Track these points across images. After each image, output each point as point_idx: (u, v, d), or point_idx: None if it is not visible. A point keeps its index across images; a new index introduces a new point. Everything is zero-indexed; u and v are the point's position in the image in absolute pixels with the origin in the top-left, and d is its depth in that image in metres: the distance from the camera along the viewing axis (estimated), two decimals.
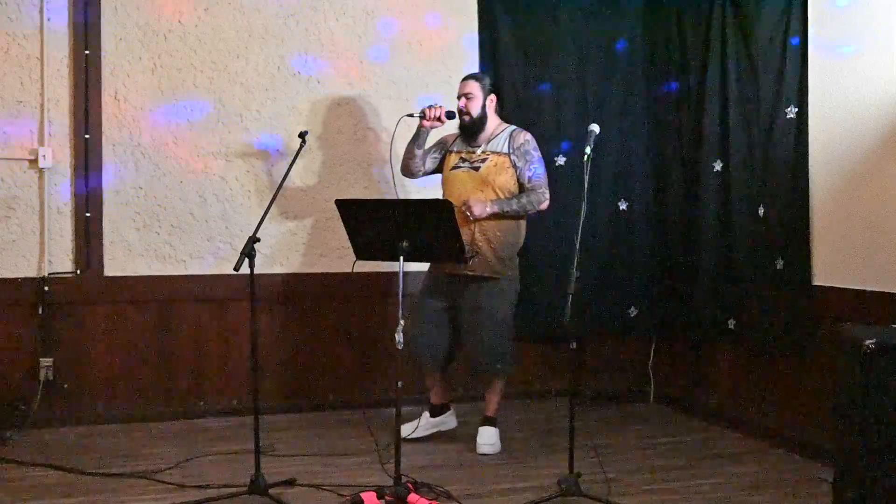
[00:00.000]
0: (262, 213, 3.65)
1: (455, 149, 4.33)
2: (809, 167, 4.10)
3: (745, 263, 4.45)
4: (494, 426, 4.28)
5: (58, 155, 4.59)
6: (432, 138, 4.40)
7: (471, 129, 4.25)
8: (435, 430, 4.40)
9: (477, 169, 4.19)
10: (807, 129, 4.10)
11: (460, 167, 4.24)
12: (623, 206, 5.29)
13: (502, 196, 4.16)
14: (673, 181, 5.11)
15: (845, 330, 2.93)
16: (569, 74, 5.22)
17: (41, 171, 4.56)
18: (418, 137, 4.30)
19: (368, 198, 4.87)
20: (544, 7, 5.19)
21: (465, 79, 4.33)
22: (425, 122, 4.22)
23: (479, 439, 4.22)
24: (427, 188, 4.69)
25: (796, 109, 4.14)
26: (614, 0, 5.28)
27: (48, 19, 4.56)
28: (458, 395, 4.97)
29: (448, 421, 4.44)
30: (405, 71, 5.07)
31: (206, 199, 4.81)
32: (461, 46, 5.16)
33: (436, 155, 4.37)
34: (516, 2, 5.18)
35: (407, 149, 4.34)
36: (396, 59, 5.07)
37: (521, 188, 4.21)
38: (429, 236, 3.47)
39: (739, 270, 4.50)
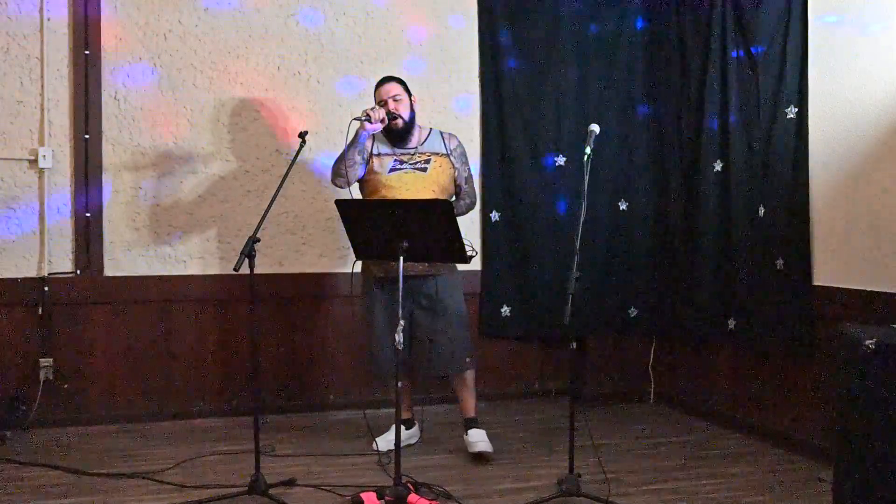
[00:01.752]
0: (262, 213, 3.64)
1: (383, 151, 4.17)
2: (809, 167, 4.10)
3: (745, 263, 4.45)
4: (480, 427, 4.18)
5: (58, 155, 4.59)
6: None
7: (404, 131, 4.14)
8: (403, 444, 4.11)
9: (424, 170, 4.12)
10: (807, 129, 4.10)
11: (401, 169, 4.12)
12: (623, 206, 5.29)
13: (446, 197, 4.14)
14: (673, 181, 5.11)
15: (845, 330, 2.92)
16: (569, 74, 5.22)
17: (41, 171, 4.56)
18: (357, 142, 4.06)
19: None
20: (544, 7, 5.19)
21: (387, 81, 4.20)
22: (368, 126, 4.03)
23: (470, 439, 4.11)
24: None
25: (796, 109, 4.14)
26: (614, 0, 5.28)
27: (48, 19, 4.56)
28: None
29: (414, 435, 4.35)
30: (405, 71, 5.06)
31: (206, 199, 4.81)
32: (461, 46, 5.16)
33: (362, 161, 4.20)
34: (516, 2, 5.18)
35: (347, 157, 4.07)
36: (396, 59, 5.06)
37: (458, 190, 4.23)
38: (429, 236, 3.46)
39: (739, 270, 4.50)
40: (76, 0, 4.59)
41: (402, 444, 3.86)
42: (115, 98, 4.68)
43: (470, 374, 4.24)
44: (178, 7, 4.75)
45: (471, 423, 4.19)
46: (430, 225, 3.44)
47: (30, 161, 4.56)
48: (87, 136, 4.61)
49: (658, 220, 5.26)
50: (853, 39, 3.89)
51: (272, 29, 4.89)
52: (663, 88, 5.22)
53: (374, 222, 3.54)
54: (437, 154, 4.18)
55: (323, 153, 4.96)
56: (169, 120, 4.75)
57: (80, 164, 4.61)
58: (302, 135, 4.05)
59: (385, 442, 4.15)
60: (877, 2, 3.78)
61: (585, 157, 3.54)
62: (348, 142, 4.08)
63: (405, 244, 3.40)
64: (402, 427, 4.04)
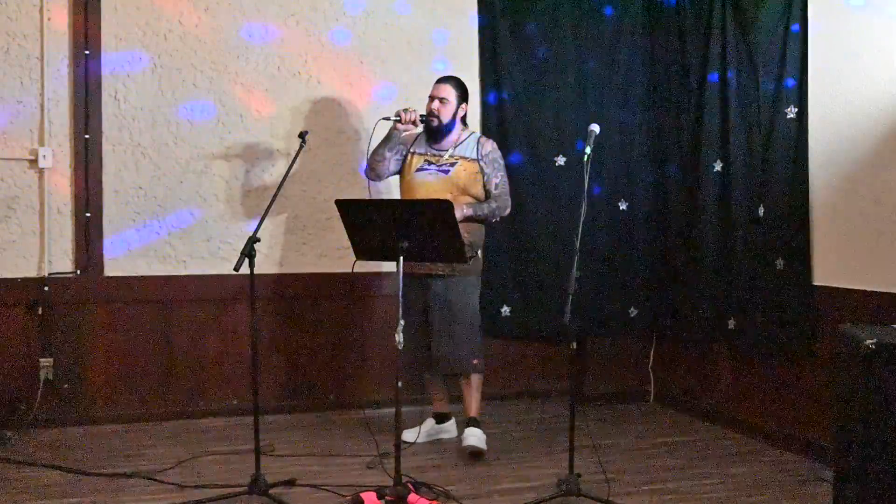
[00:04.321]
0: (262, 213, 3.64)
1: (418, 150, 4.30)
2: (809, 167, 4.10)
3: (745, 263, 4.45)
4: (479, 427, 4.21)
5: (58, 155, 4.59)
6: None
7: (437, 133, 4.24)
8: (437, 436, 4.41)
9: (447, 172, 4.19)
10: (807, 129, 4.10)
11: (427, 170, 4.23)
12: (623, 206, 5.29)
13: (471, 201, 4.19)
14: (673, 181, 5.11)
15: (845, 330, 2.92)
16: (569, 74, 5.21)
17: (41, 171, 4.56)
18: (389, 140, 4.26)
19: (368, 198, 4.87)
20: (544, 6, 5.19)
21: (443, 81, 4.31)
22: (400, 126, 4.19)
23: (464, 435, 4.17)
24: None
25: (796, 109, 4.14)
26: (615, 1, 5.28)
27: (48, 19, 4.56)
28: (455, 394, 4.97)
29: (451, 429, 4.45)
30: (405, 71, 5.07)
31: (206, 199, 4.81)
32: (461, 47, 5.16)
33: (398, 157, 4.34)
34: (517, 2, 5.18)
35: (376, 151, 4.29)
36: (397, 59, 5.06)
37: (487, 194, 4.25)
38: (429, 236, 3.46)
39: (739, 270, 4.50)
40: (76, 0, 4.58)
41: (439, 438, 4.38)
42: (115, 98, 4.68)
43: (476, 377, 4.28)
44: (178, 7, 4.75)
45: (470, 422, 4.23)
46: (429, 225, 3.44)
47: (30, 161, 4.56)
48: (87, 136, 4.61)
49: (658, 220, 5.25)
50: (853, 39, 3.89)
51: (272, 29, 4.89)
52: (663, 88, 5.22)
53: (374, 222, 3.54)
54: (466, 158, 4.23)
55: (323, 153, 4.96)
56: (169, 120, 4.75)
57: (80, 164, 4.61)
58: (302, 135, 4.07)
59: (412, 434, 4.25)
60: (877, 2, 3.77)
61: (585, 157, 3.54)
62: (380, 139, 4.22)
63: (405, 244, 3.41)
64: (436, 420, 4.40)
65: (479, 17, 5.16)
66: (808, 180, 4.10)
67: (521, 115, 5.16)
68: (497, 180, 4.25)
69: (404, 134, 4.30)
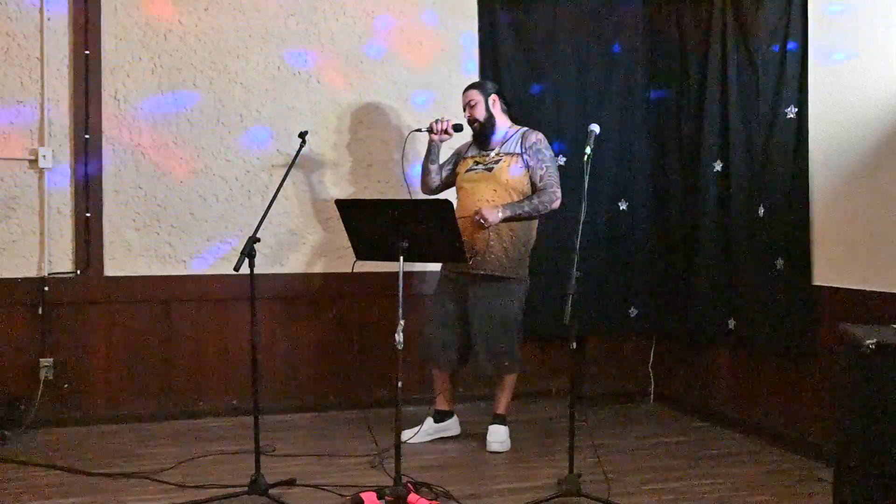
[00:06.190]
0: (262, 213, 3.65)
1: (469, 154, 4.41)
2: (809, 167, 4.10)
3: (745, 263, 4.45)
4: (504, 424, 4.31)
5: (58, 155, 4.59)
6: (445, 151, 4.48)
7: (483, 133, 4.33)
8: (438, 435, 4.41)
9: (490, 170, 4.24)
10: (807, 129, 4.10)
11: (474, 169, 4.30)
12: (623, 206, 5.29)
13: (514, 196, 4.20)
14: (673, 181, 5.11)
15: (845, 330, 2.92)
16: (569, 74, 5.22)
17: (41, 171, 4.56)
18: (430, 153, 4.41)
19: (368, 198, 4.87)
20: (544, 7, 5.19)
21: (466, 89, 4.41)
22: (434, 137, 4.33)
23: (489, 437, 4.24)
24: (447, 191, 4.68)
25: (796, 109, 4.14)
26: (615, 0, 5.28)
27: (48, 19, 4.56)
28: (459, 393, 4.98)
29: (452, 427, 4.47)
30: (405, 71, 5.07)
31: (206, 199, 4.81)
32: (461, 46, 5.16)
33: (450, 167, 4.47)
34: (516, 2, 5.18)
35: (423, 166, 4.47)
36: (396, 58, 5.07)
37: (534, 188, 4.24)
38: (429, 236, 3.47)
39: (739, 270, 4.50)
40: (76, 0, 4.59)
41: (440, 435, 4.39)
42: (115, 98, 4.68)
43: (508, 377, 4.35)
44: (178, 7, 4.75)
45: (495, 419, 4.32)
46: (429, 225, 3.45)
47: (30, 161, 4.56)
48: (87, 136, 4.61)
49: (658, 220, 5.25)
50: (854, 39, 3.89)
51: (272, 29, 4.89)
52: (663, 89, 5.22)
53: (374, 222, 3.55)
54: (511, 154, 4.26)
55: (323, 153, 4.96)
56: (169, 120, 4.75)
57: (80, 165, 4.61)
58: (302, 135, 4.07)
59: (410, 434, 4.28)
60: (878, 2, 3.77)
61: (585, 157, 3.54)
62: (414, 151, 4.50)
63: (405, 244, 3.41)
64: (436, 419, 4.40)
65: (479, 17, 5.16)
66: (808, 180, 4.10)
67: (520, 115, 5.15)
68: (542, 172, 4.23)
69: (460, 144, 4.47)
